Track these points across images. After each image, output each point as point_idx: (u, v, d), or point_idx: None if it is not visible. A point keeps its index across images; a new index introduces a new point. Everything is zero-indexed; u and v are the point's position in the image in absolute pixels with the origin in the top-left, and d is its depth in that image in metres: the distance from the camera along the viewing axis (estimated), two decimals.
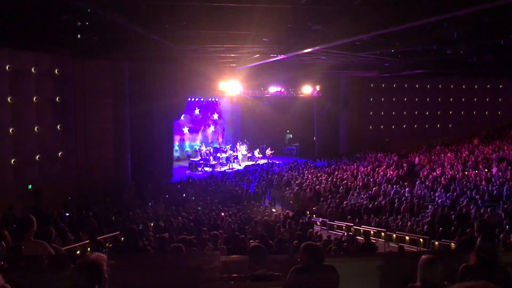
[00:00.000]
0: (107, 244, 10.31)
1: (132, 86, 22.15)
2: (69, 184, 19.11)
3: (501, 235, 11.73)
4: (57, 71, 18.77)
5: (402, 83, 31.54)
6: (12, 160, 17.17)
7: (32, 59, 17.90)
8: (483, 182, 19.56)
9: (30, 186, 17.80)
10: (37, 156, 18.14)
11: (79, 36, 15.62)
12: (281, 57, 18.56)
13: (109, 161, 21.40)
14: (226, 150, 28.99)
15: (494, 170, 21.37)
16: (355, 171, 23.79)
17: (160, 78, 23.00)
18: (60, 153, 19.03)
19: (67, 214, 15.02)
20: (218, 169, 26.70)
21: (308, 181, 22.02)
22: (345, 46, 16.39)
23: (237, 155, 28.80)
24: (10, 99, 17.00)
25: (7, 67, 16.88)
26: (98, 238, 10.73)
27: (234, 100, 30.99)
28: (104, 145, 21.12)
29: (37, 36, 16.05)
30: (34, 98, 17.95)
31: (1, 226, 9.42)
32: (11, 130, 17.08)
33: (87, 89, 20.35)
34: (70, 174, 19.52)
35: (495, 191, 17.80)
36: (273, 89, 28.63)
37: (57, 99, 18.84)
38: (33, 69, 17.82)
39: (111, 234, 12.05)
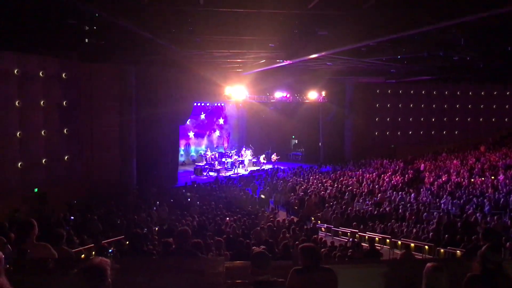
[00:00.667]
0: (112, 248, 10.33)
1: (139, 91, 22.27)
2: (74, 187, 19.20)
3: (508, 244, 11.61)
4: (64, 75, 18.91)
5: (408, 89, 31.48)
6: (19, 163, 17.28)
7: (40, 63, 18.06)
8: (490, 190, 19.41)
9: (36, 189, 17.90)
10: (44, 160, 18.25)
11: (86, 40, 15.76)
12: (287, 63, 18.61)
13: (114, 164, 21.48)
14: (231, 155, 29.00)
15: (500, 177, 21.21)
16: (360, 177, 23.70)
17: (166, 82, 23.11)
18: (66, 157, 19.12)
19: (72, 217, 15.06)
20: (223, 174, 26.71)
21: (313, 186, 21.96)
22: (351, 52, 16.40)
23: (242, 160, 28.80)
24: (18, 103, 17.13)
25: (15, 71, 17.03)
26: (102, 241, 10.74)
27: (239, 105, 31.06)
28: (109, 149, 21.21)
29: (45, 40, 16.21)
30: (42, 102, 18.08)
31: (7, 228, 9.47)
32: (18, 133, 17.20)
33: (93, 93, 20.49)
34: (75, 178, 19.61)
35: (501, 199, 17.65)
36: (278, 94, 28.67)
37: (64, 103, 18.97)
38: (40, 73, 17.96)
39: (116, 238, 12.07)
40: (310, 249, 4.09)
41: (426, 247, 13.05)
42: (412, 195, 19.64)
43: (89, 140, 20.41)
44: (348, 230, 15.50)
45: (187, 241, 5.44)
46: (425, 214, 16.46)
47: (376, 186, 21.43)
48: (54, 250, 5.27)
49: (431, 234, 13.71)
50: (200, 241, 5.68)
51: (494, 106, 33.10)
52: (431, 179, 22.32)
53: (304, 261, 3.99)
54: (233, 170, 27.81)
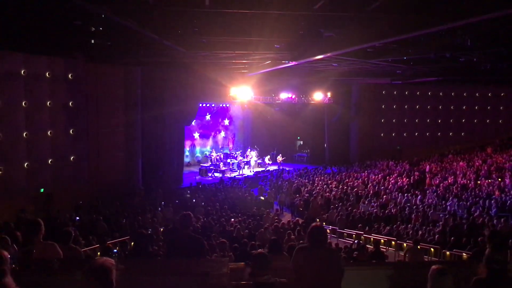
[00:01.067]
0: (117, 248, 10.38)
1: (144, 91, 22.35)
2: (80, 188, 19.28)
3: None
4: (70, 75, 19.01)
5: (414, 91, 31.37)
6: (25, 164, 17.40)
7: (46, 64, 18.17)
8: (496, 192, 19.30)
9: (42, 190, 18.00)
10: (50, 160, 18.35)
11: (92, 41, 15.82)
12: (292, 64, 18.58)
13: (120, 165, 21.56)
14: (237, 156, 29.01)
15: (507, 179, 21.07)
16: (366, 178, 23.65)
17: (172, 83, 23.17)
18: (72, 157, 19.21)
19: (77, 218, 15.14)
20: (228, 175, 26.72)
21: (318, 188, 21.93)
22: (357, 53, 16.36)
23: (248, 161, 28.80)
24: (24, 103, 17.25)
25: (22, 71, 17.16)
26: (108, 242, 10.79)
27: (245, 106, 31.04)
28: (115, 150, 21.30)
29: (52, 41, 16.30)
30: (48, 103, 18.19)
31: (13, 228, 9.54)
32: (25, 134, 17.32)
33: (99, 93, 20.56)
34: (81, 178, 19.69)
35: (508, 201, 17.54)
36: (284, 95, 28.65)
37: (70, 104, 19.07)
38: (47, 73, 18.08)
39: (121, 239, 12.12)
40: (318, 229, 4.28)
41: (432, 249, 13.00)
42: (418, 197, 19.55)
43: (95, 141, 20.48)
44: (353, 232, 15.47)
45: (190, 225, 5.49)
46: (431, 211, 16.48)
47: (382, 188, 21.37)
48: (62, 249, 5.33)
49: (437, 236, 13.66)
50: None
51: (501, 108, 32.91)
52: (437, 181, 22.23)
53: (310, 240, 4.17)
54: (238, 171, 27.83)
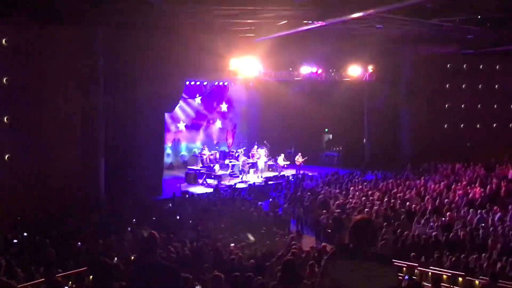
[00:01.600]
0: (69, 284, 10.40)
1: (109, 63, 22.37)
2: (19, 198, 19.36)
3: None
4: (4, 41, 19.07)
5: (492, 64, 31.25)
6: None
7: None
8: None
9: None
10: None
11: None
12: (319, 25, 18.56)
13: (75, 167, 21.62)
14: (238, 156, 29.04)
15: None
16: (422, 188, 23.62)
17: (147, 53, 23.16)
18: (7, 156, 19.32)
19: (15, 240, 15.24)
20: (226, 182, 26.78)
21: (354, 201, 21.95)
22: (410, 10, 16.30)
23: (254, 163, 28.80)
24: None
25: None
26: (57, 275, 10.85)
27: (250, 85, 31.06)
28: (68, 145, 21.37)
29: None
30: None
31: None
32: None
33: (46, 66, 20.61)
34: (20, 185, 19.78)
35: None
36: (306, 69, 28.57)
37: (4, 80, 19.14)
38: None
39: (76, 270, 12.20)
40: (365, 222, 4.17)
41: None
42: (497, 214, 19.50)
43: (40, 133, 20.55)
44: (403, 264, 15.46)
45: (156, 250, 5.52)
46: None
47: (445, 202, 21.35)
48: None
49: None
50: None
51: None
52: None
53: (354, 238, 4.05)
54: (241, 176, 27.87)
